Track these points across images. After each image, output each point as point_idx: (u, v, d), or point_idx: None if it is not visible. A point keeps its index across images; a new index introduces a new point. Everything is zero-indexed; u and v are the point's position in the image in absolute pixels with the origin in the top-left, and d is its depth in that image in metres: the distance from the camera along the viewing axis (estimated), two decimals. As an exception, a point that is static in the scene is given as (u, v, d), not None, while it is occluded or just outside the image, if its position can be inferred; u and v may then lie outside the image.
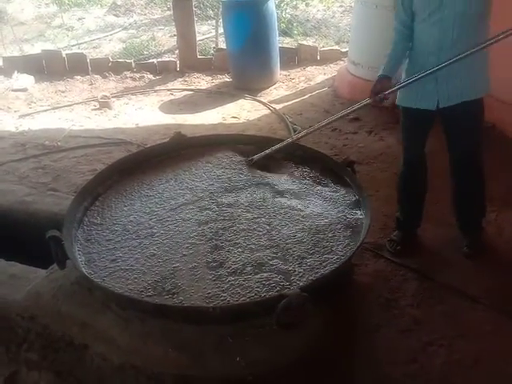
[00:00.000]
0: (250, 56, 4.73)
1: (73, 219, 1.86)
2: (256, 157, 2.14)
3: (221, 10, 6.06)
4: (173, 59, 5.65)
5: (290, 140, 2.24)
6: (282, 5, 6.45)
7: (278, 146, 2.15)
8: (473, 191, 2.44)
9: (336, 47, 5.82)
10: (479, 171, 2.39)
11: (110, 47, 6.53)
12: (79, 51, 5.85)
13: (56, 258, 1.64)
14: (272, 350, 1.47)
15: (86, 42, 6.78)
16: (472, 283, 2.34)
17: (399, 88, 2.21)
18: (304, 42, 5.87)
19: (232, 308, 1.49)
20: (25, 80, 5.07)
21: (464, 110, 2.19)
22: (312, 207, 1.90)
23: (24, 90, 4.94)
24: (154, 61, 5.57)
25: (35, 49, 6.17)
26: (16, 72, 5.14)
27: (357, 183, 1.98)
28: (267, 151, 2.14)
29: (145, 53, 6.17)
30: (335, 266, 1.61)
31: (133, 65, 5.45)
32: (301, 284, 1.53)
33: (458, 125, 2.26)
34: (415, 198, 2.55)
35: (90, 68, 5.35)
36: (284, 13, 6.51)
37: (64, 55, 5.37)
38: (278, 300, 1.40)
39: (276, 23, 4.87)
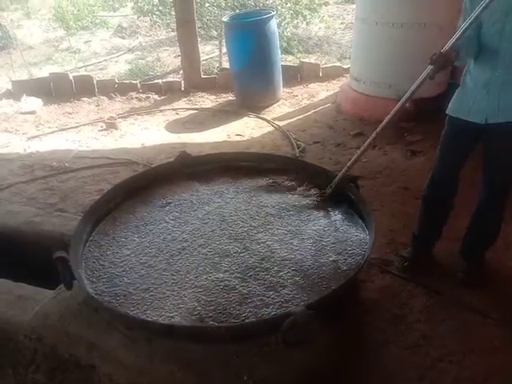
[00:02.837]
0: (253, 74, 4.80)
1: (79, 240, 1.88)
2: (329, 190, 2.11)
3: (223, 30, 6.18)
4: (177, 79, 5.74)
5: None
6: (283, 24, 6.55)
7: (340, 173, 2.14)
8: (488, 232, 2.37)
9: (338, 64, 5.89)
10: (500, 214, 2.30)
11: (116, 69, 6.65)
12: (86, 73, 5.95)
13: (63, 279, 1.65)
14: (279, 367, 1.47)
15: (92, 64, 6.92)
16: (481, 298, 2.32)
17: (452, 42, 1.98)
18: (306, 60, 5.95)
19: (238, 327, 1.49)
20: (33, 103, 5.16)
21: (510, 132, 2.06)
22: (315, 224, 1.91)
23: (32, 112, 5.02)
24: (160, 81, 5.66)
25: (43, 72, 6.30)
26: (24, 95, 5.23)
27: (361, 198, 1.99)
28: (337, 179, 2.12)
29: (150, 73, 6.27)
30: (341, 282, 1.61)
31: (138, 85, 5.54)
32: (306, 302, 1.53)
33: (499, 149, 2.12)
34: (437, 218, 2.45)
35: (96, 89, 5.44)
36: (285, 31, 6.61)
37: (71, 78, 5.47)
38: (283, 318, 1.40)
39: (278, 42, 4.93)
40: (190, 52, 5.33)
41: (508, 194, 2.25)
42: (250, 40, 4.66)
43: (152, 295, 1.62)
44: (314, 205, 2.05)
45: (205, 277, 1.67)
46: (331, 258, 1.73)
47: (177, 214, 2.04)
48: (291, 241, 1.83)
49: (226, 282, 1.63)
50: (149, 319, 1.52)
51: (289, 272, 1.67)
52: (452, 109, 2.20)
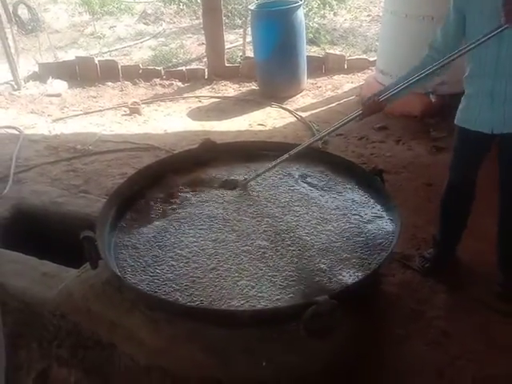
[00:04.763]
0: (277, 64, 4.76)
1: (105, 221, 1.90)
2: (251, 178, 2.09)
3: (249, 18, 6.14)
4: (201, 67, 5.74)
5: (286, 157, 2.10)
6: (310, 14, 6.47)
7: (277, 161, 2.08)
8: None
9: (363, 56, 5.80)
10: None
11: (139, 55, 6.68)
12: (111, 58, 5.99)
13: (89, 258, 1.67)
14: (298, 355, 1.46)
15: (116, 50, 6.96)
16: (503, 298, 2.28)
17: (391, 93, 2.02)
18: (331, 51, 5.88)
19: (261, 312, 1.49)
20: (58, 85, 5.23)
21: None
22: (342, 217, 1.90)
23: (58, 95, 5.10)
24: (183, 68, 5.67)
25: (69, 55, 6.37)
26: (51, 78, 5.31)
27: (386, 192, 1.97)
28: (261, 171, 2.08)
29: (173, 60, 6.28)
30: (365, 274, 1.60)
31: (162, 72, 5.56)
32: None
33: (509, 158, 2.10)
34: (456, 223, 2.42)
35: (120, 75, 5.48)
36: (312, 22, 6.54)
37: (96, 62, 5.53)
38: (306, 306, 1.40)
39: (304, 32, 4.89)
40: (215, 40, 5.33)
41: None
42: (277, 29, 4.62)
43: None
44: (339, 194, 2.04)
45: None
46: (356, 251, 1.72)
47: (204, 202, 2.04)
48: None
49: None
50: (171, 299, 1.52)
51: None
52: (458, 118, 2.17)
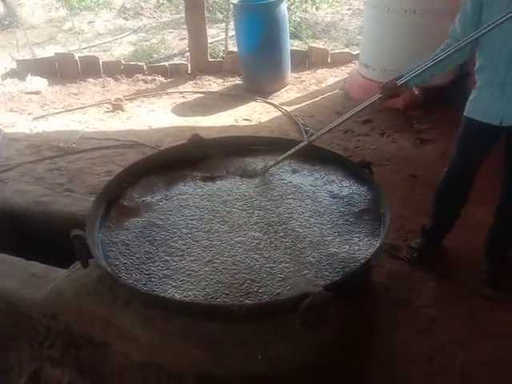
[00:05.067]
0: (261, 58, 4.76)
1: (95, 219, 1.88)
2: (270, 165, 2.13)
3: (232, 12, 6.10)
4: (184, 62, 5.69)
5: (305, 143, 2.19)
6: (292, 8, 6.48)
7: (292, 150, 2.13)
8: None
9: (346, 50, 5.83)
10: None
11: (120, 50, 6.59)
12: (92, 54, 5.89)
13: (80, 257, 1.65)
14: (294, 348, 1.47)
15: (96, 45, 6.85)
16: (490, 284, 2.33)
17: (410, 76, 2.05)
18: (314, 45, 5.89)
19: (258, 306, 1.50)
20: (38, 83, 5.12)
21: None
22: (331, 207, 1.92)
23: (37, 92, 4.99)
24: (166, 64, 5.62)
25: (46, 52, 6.24)
26: (29, 75, 5.19)
27: (375, 184, 1.99)
28: (281, 158, 2.12)
29: (155, 56, 6.22)
30: (358, 264, 1.62)
31: (144, 67, 5.50)
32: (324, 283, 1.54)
33: None
34: (451, 211, 2.42)
35: (102, 71, 5.40)
36: (294, 16, 6.54)
37: (77, 58, 5.43)
38: (301, 298, 1.41)
39: (287, 26, 4.89)
40: (198, 35, 5.29)
41: None
42: (260, 23, 4.61)
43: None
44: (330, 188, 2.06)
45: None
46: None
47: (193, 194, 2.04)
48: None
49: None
50: (166, 296, 1.53)
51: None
52: (468, 110, 2.16)
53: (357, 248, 1.70)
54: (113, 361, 1.62)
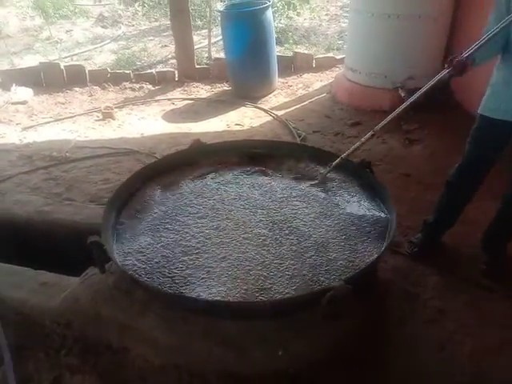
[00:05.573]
0: (249, 64, 4.84)
1: (108, 225, 1.89)
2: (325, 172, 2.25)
3: (215, 19, 6.17)
4: (171, 69, 5.71)
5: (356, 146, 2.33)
6: (276, 15, 6.59)
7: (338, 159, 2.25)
8: None
9: (330, 54, 5.97)
10: None
11: (101, 59, 6.55)
12: (77, 63, 5.84)
13: (98, 263, 1.67)
14: (312, 342, 1.50)
15: (77, 54, 6.78)
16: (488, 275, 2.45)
17: (471, 51, 1.97)
18: (298, 50, 6.01)
19: (282, 302, 1.52)
20: (23, 93, 5.05)
21: None
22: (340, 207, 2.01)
23: (23, 102, 4.92)
24: (153, 71, 5.63)
25: (25, 62, 6.14)
26: (14, 85, 5.11)
27: (378, 182, 2.08)
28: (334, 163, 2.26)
29: (138, 63, 6.21)
30: (374, 259, 1.69)
31: (131, 75, 5.49)
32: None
33: None
34: (458, 205, 2.46)
35: (88, 79, 5.36)
36: (277, 22, 6.66)
37: (62, 67, 5.37)
38: (323, 293, 1.45)
39: (274, 32, 4.97)
40: (184, 42, 5.32)
41: None
42: (247, 30, 4.68)
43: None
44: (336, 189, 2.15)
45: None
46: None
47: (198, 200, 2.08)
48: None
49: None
50: (188, 295, 1.54)
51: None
52: (483, 107, 2.16)
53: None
54: (132, 365, 1.62)
